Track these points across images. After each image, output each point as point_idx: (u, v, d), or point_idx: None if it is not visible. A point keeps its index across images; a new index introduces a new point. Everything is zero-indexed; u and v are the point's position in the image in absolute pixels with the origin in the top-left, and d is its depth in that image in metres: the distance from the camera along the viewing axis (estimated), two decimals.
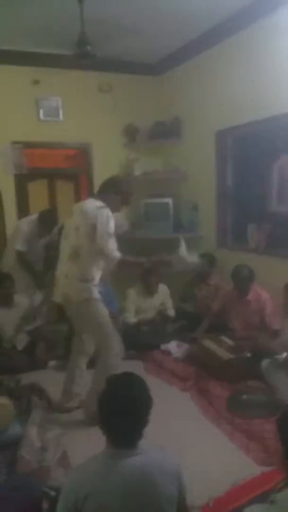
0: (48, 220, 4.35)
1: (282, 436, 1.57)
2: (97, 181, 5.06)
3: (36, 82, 4.71)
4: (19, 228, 4.32)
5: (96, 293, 2.88)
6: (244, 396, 3.20)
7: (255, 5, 3.68)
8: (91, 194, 4.28)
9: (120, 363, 2.91)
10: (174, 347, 4.06)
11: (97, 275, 2.91)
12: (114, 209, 2.86)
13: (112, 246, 2.78)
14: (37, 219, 4.33)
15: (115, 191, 2.93)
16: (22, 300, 4.06)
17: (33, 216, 4.41)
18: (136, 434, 1.59)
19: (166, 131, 5.10)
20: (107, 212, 2.78)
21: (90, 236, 2.76)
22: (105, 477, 1.52)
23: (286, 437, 1.53)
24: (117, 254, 2.80)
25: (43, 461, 2.45)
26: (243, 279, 3.77)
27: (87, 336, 3.13)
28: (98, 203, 2.83)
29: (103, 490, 1.50)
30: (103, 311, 2.92)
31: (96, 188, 5.00)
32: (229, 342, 3.76)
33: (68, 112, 4.88)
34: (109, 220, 2.77)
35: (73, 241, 2.86)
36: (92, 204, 2.85)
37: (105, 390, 1.66)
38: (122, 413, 1.57)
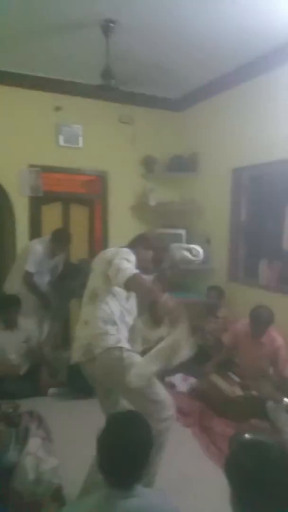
0: (62, 238, 4.31)
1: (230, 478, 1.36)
2: (112, 207, 5.15)
3: (57, 108, 4.81)
4: (31, 248, 4.25)
5: (124, 341, 2.36)
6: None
7: (277, 52, 3.79)
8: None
9: (170, 426, 2.37)
10: (180, 381, 3.97)
11: (120, 321, 2.41)
12: (144, 266, 2.46)
13: (127, 264, 2.29)
14: (49, 239, 4.29)
15: (145, 246, 2.56)
16: (26, 323, 4.00)
17: (45, 237, 4.40)
18: (134, 477, 1.54)
19: (183, 165, 5.16)
20: (127, 250, 2.44)
21: (106, 272, 2.33)
22: None
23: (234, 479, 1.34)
24: (130, 270, 2.25)
25: (36, 495, 2.35)
26: (262, 321, 3.64)
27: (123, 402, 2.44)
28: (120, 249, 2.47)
29: None
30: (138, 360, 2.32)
31: (110, 214, 5.13)
32: (236, 378, 3.68)
33: (88, 139, 4.96)
34: (128, 253, 2.39)
35: (90, 284, 2.47)
36: (115, 248, 2.50)
37: (105, 429, 1.60)
38: (121, 454, 1.51)
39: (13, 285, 4.22)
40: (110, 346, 2.30)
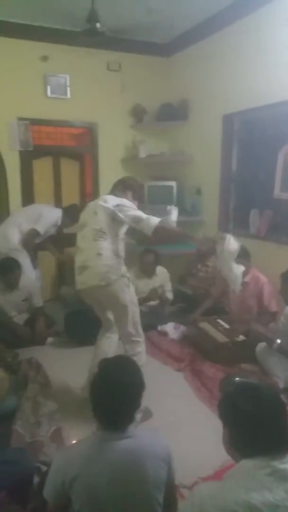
0: (75, 214, 4.37)
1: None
2: (102, 161, 5.10)
3: (44, 58, 4.66)
4: (44, 215, 4.29)
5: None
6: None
7: None
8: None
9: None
10: (171, 329, 4.12)
11: (122, 255, 2.90)
12: None
13: (142, 213, 2.77)
14: (63, 214, 4.40)
15: (125, 188, 2.99)
16: (25, 281, 4.04)
17: (58, 209, 4.47)
18: (126, 418, 1.60)
19: (173, 113, 5.05)
20: (125, 200, 2.86)
21: (112, 216, 2.75)
22: (93, 460, 1.53)
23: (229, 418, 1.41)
24: (154, 218, 2.73)
25: (36, 436, 2.50)
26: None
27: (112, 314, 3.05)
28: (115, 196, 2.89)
29: (91, 472, 1.51)
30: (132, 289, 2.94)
31: (101, 168, 5.09)
32: (225, 325, 3.81)
33: (76, 89, 4.84)
34: (130, 203, 2.85)
35: (94, 225, 2.80)
36: (110, 196, 2.90)
37: (97, 374, 1.65)
38: (113, 397, 1.57)
39: (7, 239, 4.19)
40: (122, 274, 2.80)
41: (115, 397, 1.56)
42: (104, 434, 1.59)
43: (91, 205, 2.93)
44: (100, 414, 1.60)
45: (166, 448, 1.65)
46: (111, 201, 2.81)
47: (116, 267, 2.78)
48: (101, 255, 2.75)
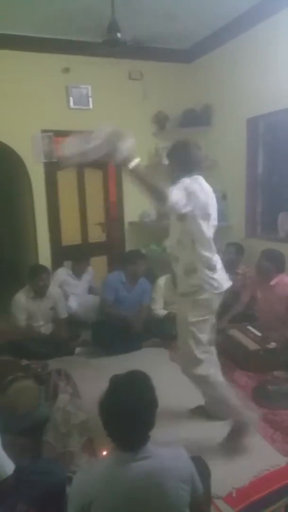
0: None
1: None
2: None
3: (66, 70, 4.71)
4: None
5: None
6: (270, 387, 3.16)
7: None
8: None
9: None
10: None
11: None
12: None
13: None
14: None
15: None
16: (53, 291, 4.09)
17: None
18: (141, 437, 1.49)
19: (196, 119, 5.03)
20: None
21: None
22: (109, 483, 1.44)
23: None
24: None
25: (67, 447, 2.48)
26: (261, 258, 3.73)
27: None
28: None
29: (108, 496, 1.43)
30: None
31: (124, 176, 5.07)
32: (256, 332, 3.72)
33: (98, 100, 4.88)
34: None
35: None
36: None
37: (107, 391, 1.53)
38: (125, 416, 1.46)
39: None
40: None
41: (124, 416, 1.46)
42: (120, 454, 1.50)
43: None
44: (110, 434, 1.50)
45: (189, 468, 1.54)
46: None
47: None
48: None
